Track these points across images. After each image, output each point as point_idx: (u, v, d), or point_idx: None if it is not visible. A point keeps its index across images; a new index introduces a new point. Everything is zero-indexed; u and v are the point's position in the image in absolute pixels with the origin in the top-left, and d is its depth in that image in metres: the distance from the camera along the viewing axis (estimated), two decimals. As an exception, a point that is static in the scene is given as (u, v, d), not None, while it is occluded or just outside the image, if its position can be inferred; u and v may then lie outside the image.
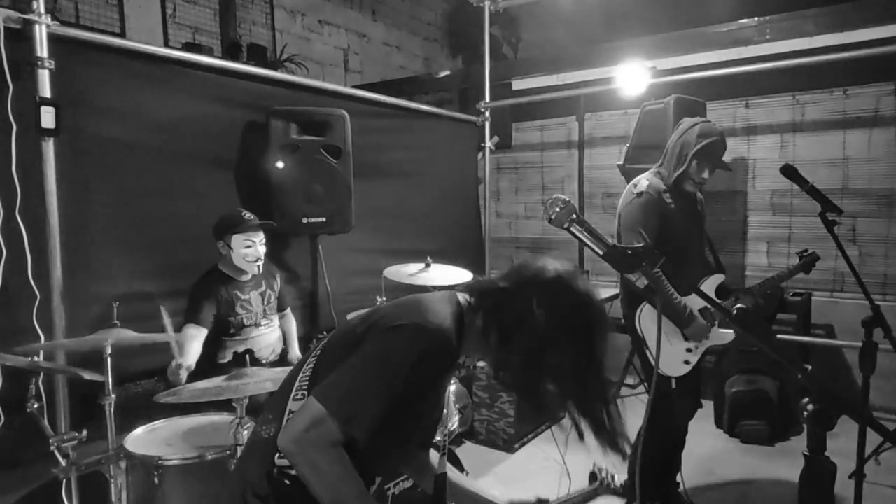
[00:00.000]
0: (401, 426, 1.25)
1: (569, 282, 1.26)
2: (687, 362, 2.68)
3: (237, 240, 2.73)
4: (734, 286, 2.94)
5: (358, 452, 1.18)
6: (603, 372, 1.26)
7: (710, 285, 2.74)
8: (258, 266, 2.79)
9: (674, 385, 2.70)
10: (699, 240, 2.84)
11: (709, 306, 2.65)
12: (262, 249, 2.80)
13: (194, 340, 2.59)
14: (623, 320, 2.83)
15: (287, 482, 1.19)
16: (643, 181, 2.68)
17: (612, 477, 2.89)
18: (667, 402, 2.66)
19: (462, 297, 1.32)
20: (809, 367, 1.06)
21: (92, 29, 4.18)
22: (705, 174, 2.69)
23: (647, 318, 2.66)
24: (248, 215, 2.78)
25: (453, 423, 3.12)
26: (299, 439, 1.12)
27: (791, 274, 2.86)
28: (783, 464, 3.56)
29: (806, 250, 2.86)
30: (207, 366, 2.64)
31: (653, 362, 2.60)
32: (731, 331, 2.79)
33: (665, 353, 2.63)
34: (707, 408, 4.22)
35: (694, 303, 2.64)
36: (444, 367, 1.25)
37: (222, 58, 4.88)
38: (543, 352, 1.22)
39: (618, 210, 2.77)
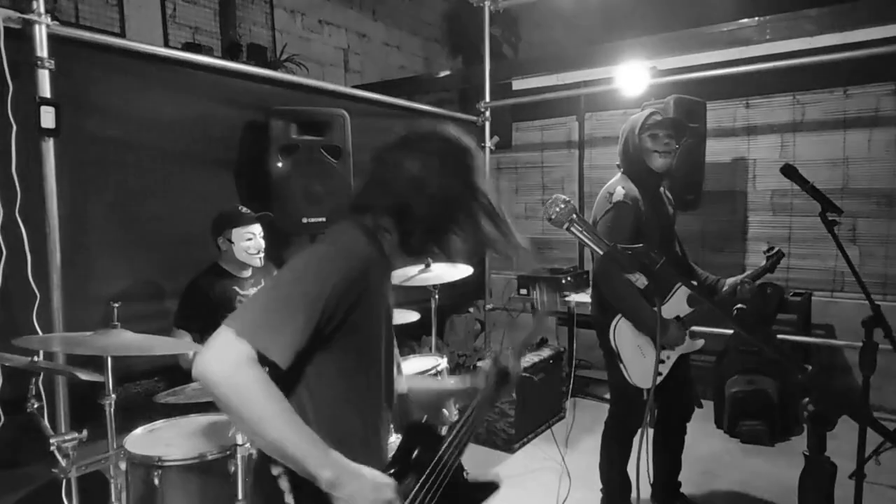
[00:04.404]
0: (351, 361, 1.23)
1: (427, 131, 1.33)
2: (659, 373, 2.68)
3: (237, 233, 2.74)
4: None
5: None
6: (484, 195, 1.30)
7: (683, 291, 2.67)
8: (260, 258, 2.79)
9: (645, 396, 2.70)
10: (672, 243, 2.83)
11: (680, 315, 2.66)
12: (262, 242, 2.81)
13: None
14: (593, 323, 2.82)
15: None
16: (619, 189, 2.64)
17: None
18: (628, 405, 2.73)
19: (361, 220, 1.30)
20: (809, 367, 1.06)
21: (92, 29, 4.17)
22: (665, 140, 2.64)
23: (622, 331, 2.62)
24: (244, 209, 2.79)
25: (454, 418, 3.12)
26: (208, 362, 1.05)
27: (759, 274, 2.80)
28: (783, 464, 3.56)
29: (772, 248, 2.80)
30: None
31: (627, 376, 2.61)
32: (701, 339, 2.79)
33: (639, 366, 2.61)
34: (707, 408, 4.23)
35: (666, 312, 2.62)
36: (363, 262, 1.21)
37: (222, 58, 4.88)
38: (436, 202, 1.25)
39: (593, 214, 2.74)
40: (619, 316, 2.61)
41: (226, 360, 1.05)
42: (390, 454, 1.35)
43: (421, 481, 1.28)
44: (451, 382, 1.65)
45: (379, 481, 1.17)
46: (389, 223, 1.28)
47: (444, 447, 1.33)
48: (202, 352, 1.06)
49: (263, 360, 1.07)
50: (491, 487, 1.43)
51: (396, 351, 1.40)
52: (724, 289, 2.80)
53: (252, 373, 1.05)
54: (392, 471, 1.26)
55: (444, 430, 1.41)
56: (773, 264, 2.77)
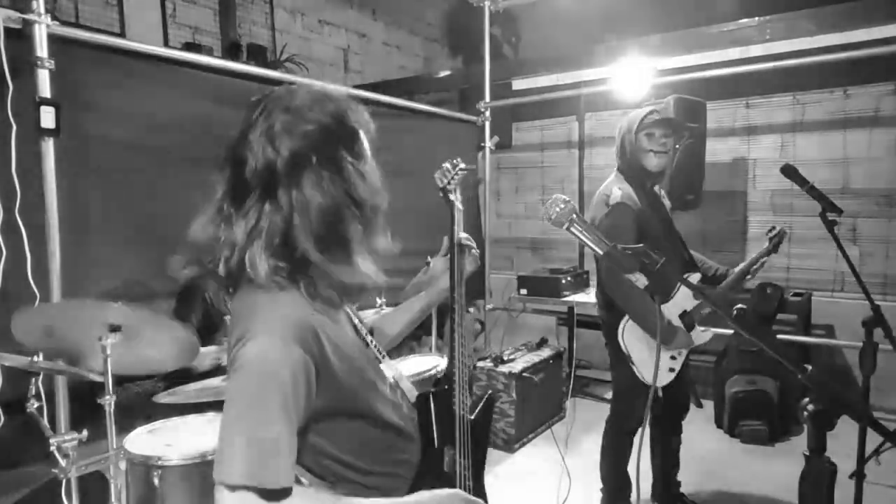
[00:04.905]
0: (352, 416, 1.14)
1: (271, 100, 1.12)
2: (672, 369, 2.67)
3: None
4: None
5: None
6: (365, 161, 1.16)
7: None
8: None
9: (660, 394, 2.70)
10: (675, 238, 2.83)
11: (687, 309, 2.65)
12: None
13: None
14: (601, 323, 2.82)
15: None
16: (615, 190, 2.62)
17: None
18: (633, 405, 2.72)
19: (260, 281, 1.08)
20: (809, 367, 1.06)
21: (92, 29, 4.17)
22: (662, 139, 2.63)
23: (630, 333, 2.61)
24: None
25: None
26: None
27: (762, 256, 2.77)
28: (783, 464, 3.56)
29: (773, 227, 2.77)
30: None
31: (640, 377, 2.60)
32: (710, 330, 2.77)
33: (651, 365, 2.59)
34: (707, 408, 4.23)
35: (671, 310, 2.60)
36: (302, 333, 1.04)
37: (222, 58, 4.87)
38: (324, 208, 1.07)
39: (590, 217, 2.71)
40: (626, 319, 2.60)
41: None
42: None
43: (457, 445, 1.31)
44: (415, 300, 1.64)
45: (443, 500, 1.16)
46: (284, 267, 1.07)
47: (456, 395, 1.36)
48: None
49: (271, 493, 0.96)
50: (489, 404, 1.48)
51: (369, 338, 1.35)
52: (731, 277, 2.80)
53: None
54: (429, 458, 1.27)
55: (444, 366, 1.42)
56: (776, 245, 2.75)
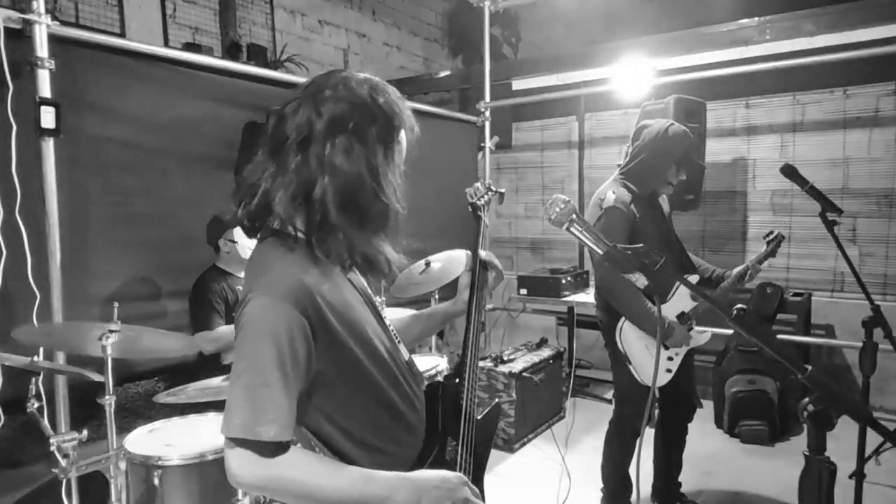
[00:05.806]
0: (354, 379, 1.15)
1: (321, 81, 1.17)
2: (668, 370, 2.67)
3: (241, 232, 2.73)
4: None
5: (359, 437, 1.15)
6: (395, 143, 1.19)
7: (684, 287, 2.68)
8: None
9: (657, 395, 2.70)
10: (670, 242, 2.83)
11: (685, 311, 2.65)
12: None
13: (209, 344, 2.65)
14: (599, 324, 2.82)
15: None
16: (610, 195, 2.64)
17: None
18: (635, 406, 2.70)
19: (281, 235, 1.17)
20: (809, 367, 1.06)
21: (92, 29, 4.18)
22: (682, 176, 2.72)
23: (628, 333, 2.62)
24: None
25: None
26: (233, 477, 1.02)
27: (762, 259, 2.78)
28: (783, 464, 3.56)
29: (771, 232, 2.78)
30: (210, 366, 2.64)
31: (637, 377, 2.60)
32: (708, 331, 2.78)
33: (649, 366, 2.59)
34: (707, 408, 4.23)
35: (668, 311, 2.60)
36: (300, 296, 1.07)
37: (222, 58, 4.88)
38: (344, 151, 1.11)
39: (585, 218, 2.72)
40: (623, 319, 2.61)
41: (240, 469, 1.01)
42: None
43: (460, 437, 1.30)
44: (438, 308, 1.64)
45: (443, 482, 1.15)
46: (301, 222, 1.14)
47: (465, 391, 1.35)
48: (226, 466, 1.03)
49: (265, 446, 1.01)
50: (496, 410, 1.48)
51: (387, 321, 1.33)
52: (728, 280, 2.81)
53: (266, 469, 1.01)
54: (432, 444, 1.27)
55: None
56: (773, 248, 2.76)
